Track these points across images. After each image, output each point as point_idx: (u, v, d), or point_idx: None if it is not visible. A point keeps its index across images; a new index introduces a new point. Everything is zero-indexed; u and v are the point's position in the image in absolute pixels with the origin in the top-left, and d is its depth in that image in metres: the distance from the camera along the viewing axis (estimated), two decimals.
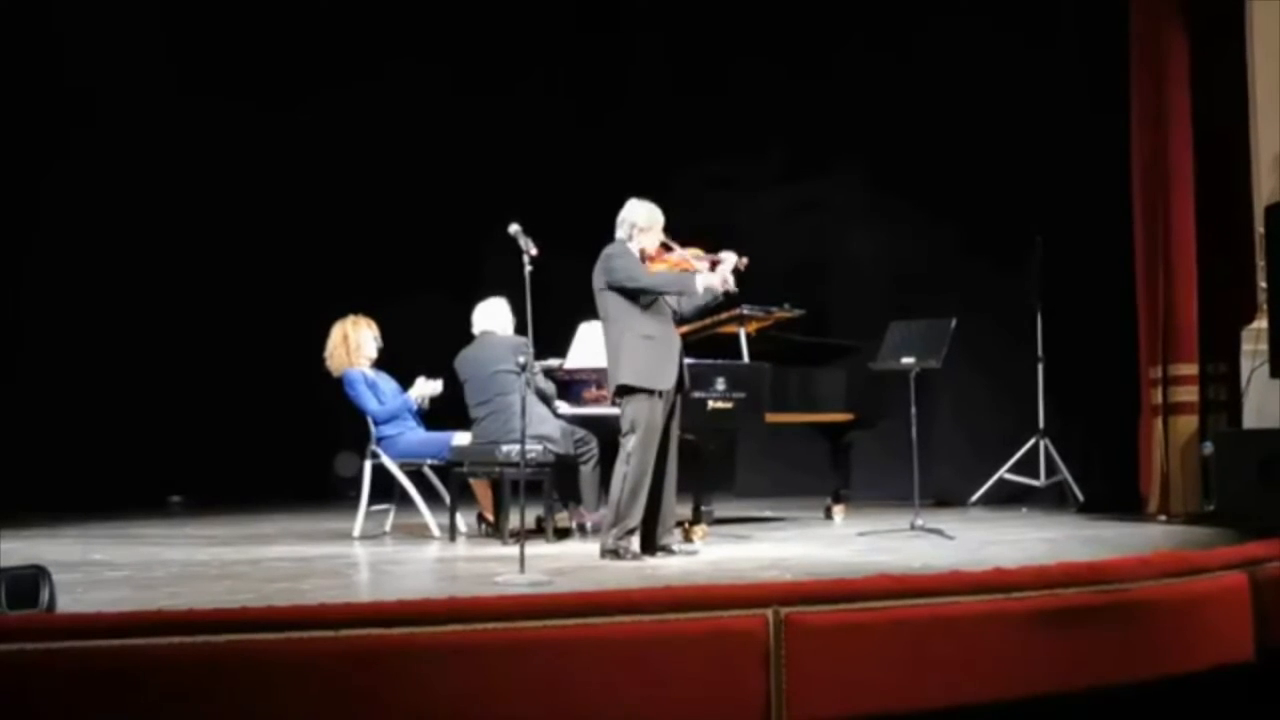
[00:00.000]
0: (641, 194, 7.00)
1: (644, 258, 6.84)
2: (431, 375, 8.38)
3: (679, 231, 7.06)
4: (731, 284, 6.86)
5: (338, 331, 8.40)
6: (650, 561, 6.61)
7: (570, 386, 8.32)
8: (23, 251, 10.48)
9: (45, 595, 4.29)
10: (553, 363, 8.29)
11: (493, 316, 8.17)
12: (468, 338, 8.27)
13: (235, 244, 11.57)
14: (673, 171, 10.81)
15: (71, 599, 4.84)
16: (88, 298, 10.86)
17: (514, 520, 7.32)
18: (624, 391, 6.67)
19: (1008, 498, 9.97)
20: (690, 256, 6.95)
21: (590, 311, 7.15)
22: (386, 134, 12.00)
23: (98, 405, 10.74)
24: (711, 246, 7.16)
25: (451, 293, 11.26)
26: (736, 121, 11.77)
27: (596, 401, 8.11)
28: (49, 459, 9.94)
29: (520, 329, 7.76)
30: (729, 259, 6.95)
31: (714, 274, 6.79)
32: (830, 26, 11.59)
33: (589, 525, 7.90)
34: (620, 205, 6.95)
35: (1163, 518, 8.46)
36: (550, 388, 8.15)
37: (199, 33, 11.49)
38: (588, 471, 7.89)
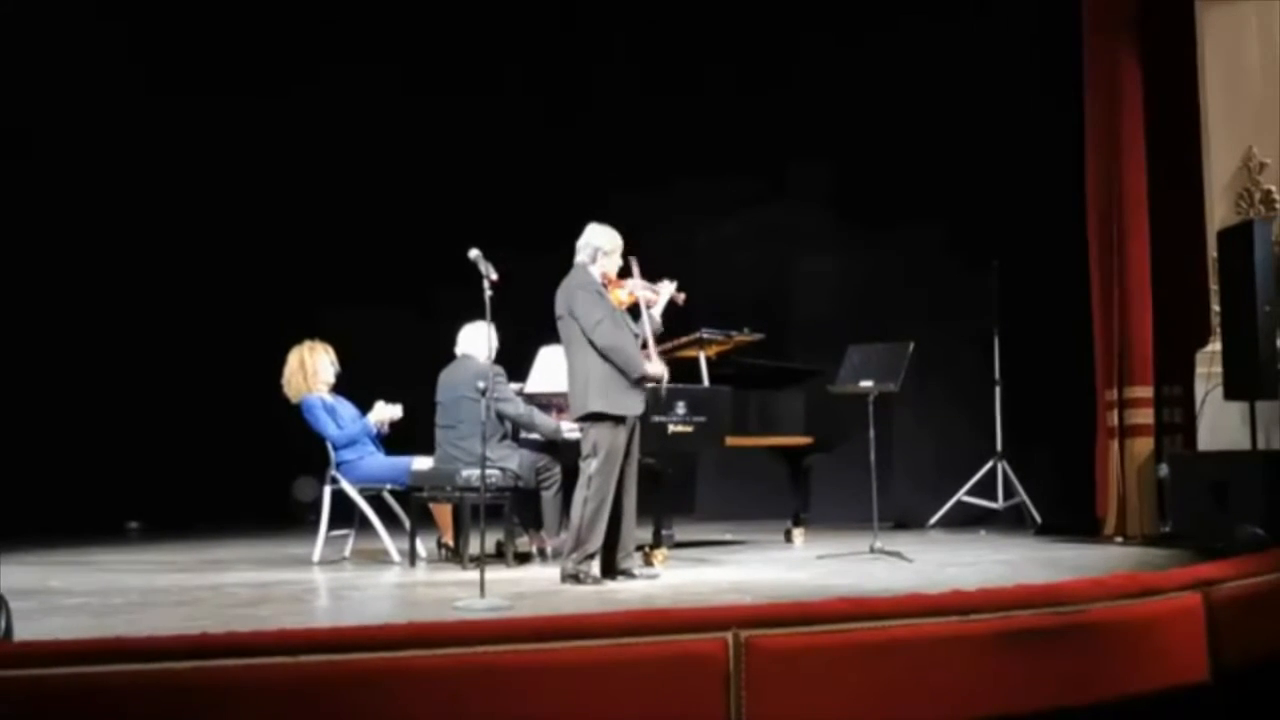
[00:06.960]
0: (601, 218, 7.04)
1: (605, 281, 6.88)
2: (391, 398, 8.36)
3: (638, 254, 7.10)
4: (665, 376, 7.01)
5: (294, 357, 8.36)
6: (610, 585, 6.62)
7: None
8: None
9: (2, 623, 4.27)
10: (513, 387, 8.26)
11: (471, 340, 8.09)
12: (430, 355, 8.25)
13: (192, 269, 11.53)
14: (632, 195, 10.83)
15: (29, 626, 4.80)
16: (42, 321, 10.75)
17: (474, 545, 7.32)
18: (590, 417, 6.69)
19: (966, 520, 10.04)
20: (639, 287, 7.02)
21: (552, 335, 7.15)
22: (344, 157, 12.00)
23: (54, 430, 10.64)
24: (670, 268, 7.22)
25: (413, 310, 11.30)
26: (696, 147, 11.82)
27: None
28: (4, 484, 9.82)
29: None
30: (665, 290, 7.14)
31: (658, 366, 6.89)
32: (786, 51, 11.69)
33: (549, 550, 7.87)
34: (579, 230, 6.97)
35: (1119, 539, 8.54)
36: (527, 412, 7.98)
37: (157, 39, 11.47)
38: (549, 497, 7.88)
